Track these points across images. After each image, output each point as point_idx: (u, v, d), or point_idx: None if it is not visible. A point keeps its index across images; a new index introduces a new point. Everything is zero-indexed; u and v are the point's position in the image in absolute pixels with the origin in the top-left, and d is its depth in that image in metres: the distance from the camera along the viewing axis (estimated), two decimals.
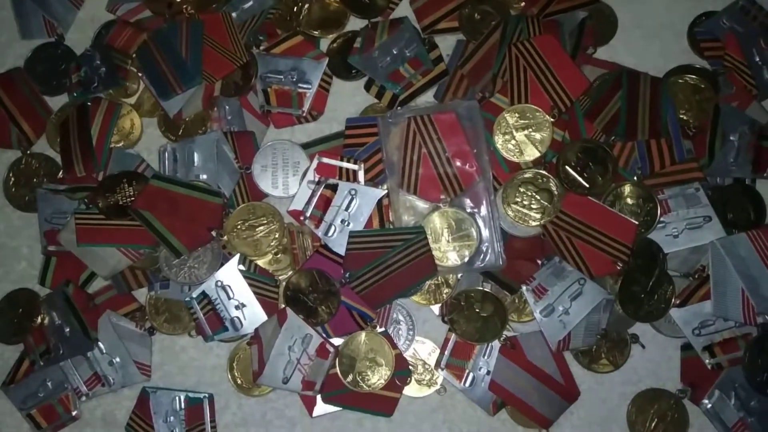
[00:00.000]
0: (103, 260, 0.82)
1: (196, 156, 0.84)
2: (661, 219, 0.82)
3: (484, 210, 0.80)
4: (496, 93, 0.85)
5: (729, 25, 0.88)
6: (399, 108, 0.85)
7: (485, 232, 0.80)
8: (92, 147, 0.85)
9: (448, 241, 0.80)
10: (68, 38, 0.92)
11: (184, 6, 0.87)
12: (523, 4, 0.89)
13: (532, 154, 0.82)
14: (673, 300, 0.81)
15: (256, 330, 0.81)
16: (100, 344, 0.82)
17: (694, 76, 0.87)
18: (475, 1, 0.88)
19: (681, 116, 0.85)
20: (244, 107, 0.87)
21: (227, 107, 0.87)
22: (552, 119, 0.82)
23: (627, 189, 0.82)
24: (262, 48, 0.87)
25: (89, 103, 0.87)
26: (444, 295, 0.82)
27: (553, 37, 0.84)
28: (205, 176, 0.84)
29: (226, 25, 0.85)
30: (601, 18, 0.89)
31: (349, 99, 0.89)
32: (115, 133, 0.87)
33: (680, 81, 0.87)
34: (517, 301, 0.82)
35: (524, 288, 0.81)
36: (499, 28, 0.86)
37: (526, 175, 0.81)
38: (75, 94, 0.89)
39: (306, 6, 0.89)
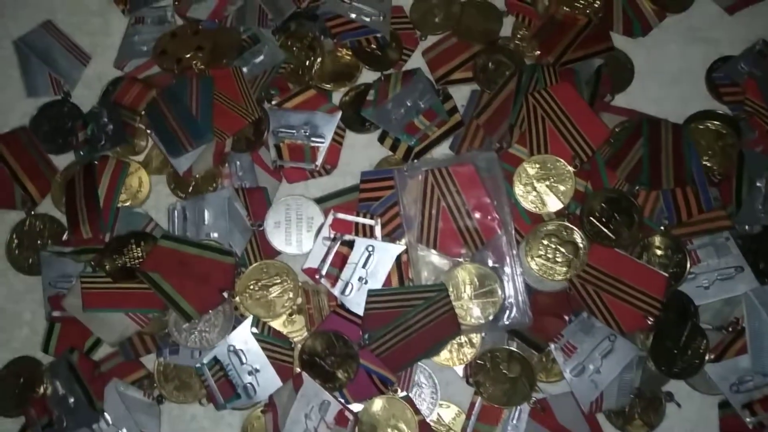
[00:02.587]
0: (110, 326, 0.77)
1: (206, 214, 0.80)
2: (691, 270, 0.77)
3: (507, 264, 0.76)
4: (514, 143, 0.81)
5: (747, 69, 0.85)
6: (415, 160, 0.81)
7: (509, 288, 0.75)
8: (99, 207, 0.81)
9: (471, 299, 0.75)
10: (75, 95, 0.88)
11: (194, 62, 0.84)
12: (537, 53, 0.86)
13: (554, 205, 0.78)
14: (707, 355, 0.76)
15: (271, 397, 0.75)
16: (107, 415, 0.76)
17: (715, 122, 0.83)
18: (489, 50, 0.86)
19: (705, 163, 0.81)
20: (255, 162, 0.83)
21: (238, 163, 0.83)
22: (573, 169, 0.78)
23: (656, 240, 0.77)
24: (274, 102, 0.84)
25: (96, 162, 0.83)
26: (468, 355, 0.76)
27: (571, 85, 0.81)
28: (216, 234, 0.80)
29: (236, 81, 0.82)
30: (617, 65, 0.86)
31: (363, 152, 0.85)
32: (122, 192, 0.83)
33: (701, 127, 0.83)
34: (544, 359, 0.77)
35: (552, 346, 0.76)
36: (515, 77, 0.83)
37: (550, 227, 0.77)
38: (81, 153, 0.85)
39: (318, 60, 0.86)
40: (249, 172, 0.83)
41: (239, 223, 0.80)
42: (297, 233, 0.80)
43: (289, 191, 0.83)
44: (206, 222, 0.80)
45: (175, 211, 0.81)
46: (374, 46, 0.86)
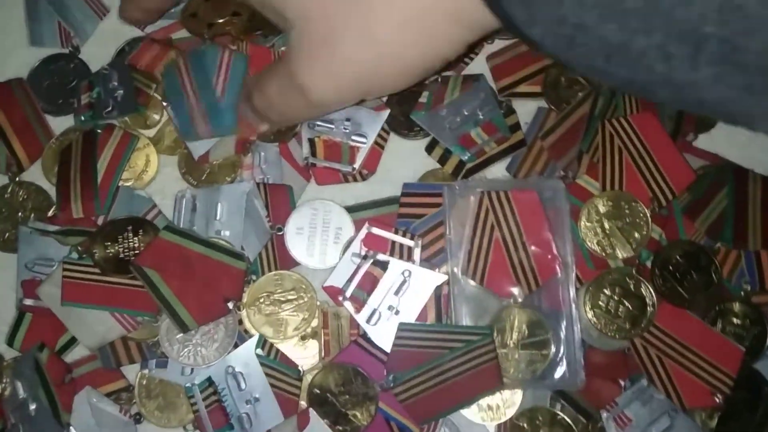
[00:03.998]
0: (90, 326, 0.64)
1: (219, 207, 0.68)
2: None
3: (563, 314, 0.64)
4: (583, 173, 0.70)
5: None
6: (468, 178, 0.70)
7: (563, 342, 0.64)
8: (96, 184, 0.68)
9: (516, 348, 0.63)
10: (84, 51, 0.75)
11: (228, 27, 0.72)
12: None
13: (624, 251, 0.67)
14: None
15: None
16: (72, 430, 0.63)
17: None
18: (563, 65, 0.74)
19: None
20: (283, 156, 0.71)
21: (263, 154, 0.70)
22: (650, 213, 0.67)
23: (735, 306, 0.66)
24: None
25: (99, 131, 0.71)
26: (503, 413, 0.65)
27: (654, 116, 0.70)
28: (227, 233, 0.67)
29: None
30: None
31: (406, 160, 0.72)
32: (125, 170, 0.70)
33: None
34: (590, 428, 0.65)
35: (604, 415, 0.64)
36: (590, 99, 0.72)
37: (615, 276, 0.66)
38: (82, 118, 0.72)
39: None
40: (274, 166, 0.71)
41: (257, 224, 0.67)
42: (321, 244, 0.68)
43: (317, 194, 0.71)
44: (218, 217, 0.68)
45: (184, 199, 0.69)
46: None
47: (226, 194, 0.68)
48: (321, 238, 0.68)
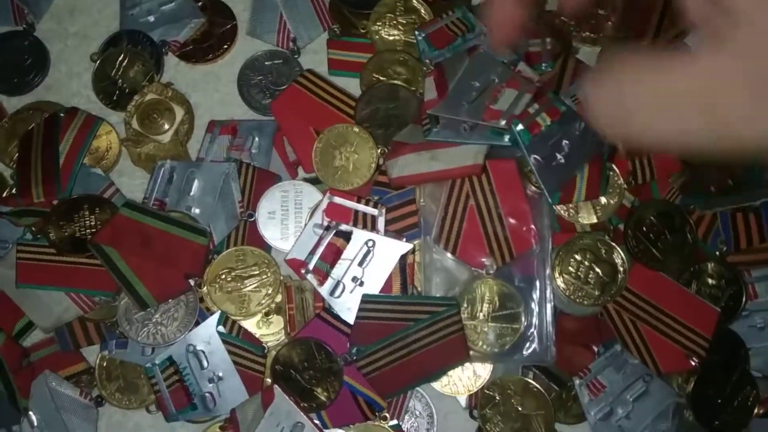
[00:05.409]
0: (46, 307, 0.61)
1: (196, 184, 0.65)
2: (746, 306, 0.63)
3: (536, 288, 0.61)
4: None
5: None
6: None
7: (534, 316, 0.61)
8: (58, 168, 0.65)
9: (487, 320, 0.60)
10: (39, 29, 0.72)
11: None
12: (586, 34, 0.71)
13: (588, 217, 0.64)
14: (756, 408, 0.62)
15: (233, 411, 0.60)
16: (31, 415, 0.61)
17: None
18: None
19: None
20: (275, 147, 0.67)
21: (258, 140, 0.67)
22: (626, 186, 0.64)
23: (709, 267, 0.63)
24: None
25: (62, 114, 0.67)
26: (474, 384, 0.62)
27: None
28: (198, 211, 0.64)
29: None
30: None
31: None
32: (86, 156, 0.67)
33: None
34: (564, 396, 0.63)
35: (576, 382, 0.61)
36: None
37: (586, 241, 0.62)
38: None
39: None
40: (263, 155, 0.67)
41: (228, 208, 0.64)
42: (296, 225, 0.65)
43: None
44: (192, 193, 0.65)
45: (162, 169, 0.65)
46: None
47: (204, 172, 0.65)
48: (295, 220, 0.65)
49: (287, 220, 0.65)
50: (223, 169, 0.65)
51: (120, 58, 0.70)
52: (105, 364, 0.63)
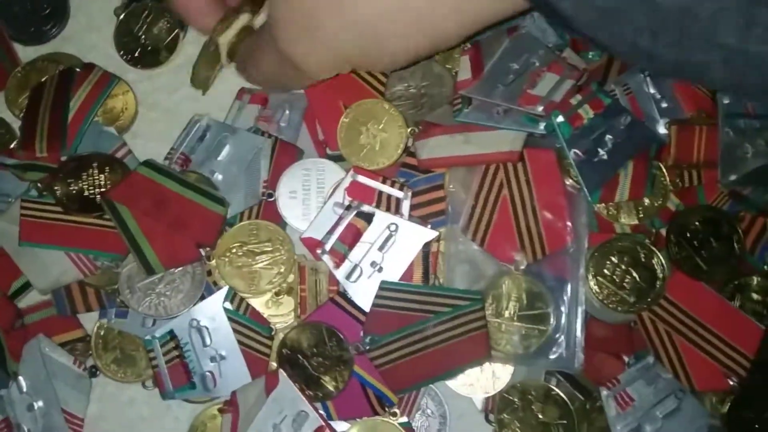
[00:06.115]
0: (44, 267, 0.57)
1: (226, 150, 0.61)
2: None
3: (568, 289, 0.56)
4: None
5: None
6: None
7: (563, 319, 0.56)
8: (66, 122, 0.61)
9: (512, 319, 0.56)
10: None
11: None
12: None
13: (629, 218, 0.59)
14: None
15: (234, 394, 0.56)
16: (21, 380, 0.57)
17: None
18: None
19: None
20: (306, 123, 0.63)
21: (288, 113, 0.63)
22: (672, 188, 0.59)
23: (755, 281, 0.58)
24: None
25: (78, 69, 0.63)
26: (493, 385, 0.58)
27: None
28: (220, 177, 0.60)
29: None
30: None
31: None
32: (99, 115, 0.63)
33: None
34: (588, 406, 0.58)
35: (604, 392, 0.56)
36: None
37: (624, 243, 0.58)
38: None
39: None
40: (292, 130, 0.63)
41: (250, 184, 0.60)
42: (317, 206, 0.60)
43: None
44: (220, 157, 0.61)
45: (197, 125, 0.62)
46: None
47: (238, 139, 0.61)
48: (316, 200, 0.61)
49: (309, 200, 0.61)
50: (258, 141, 0.61)
51: (144, 14, 0.66)
52: (102, 333, 0.59)
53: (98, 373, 0.59)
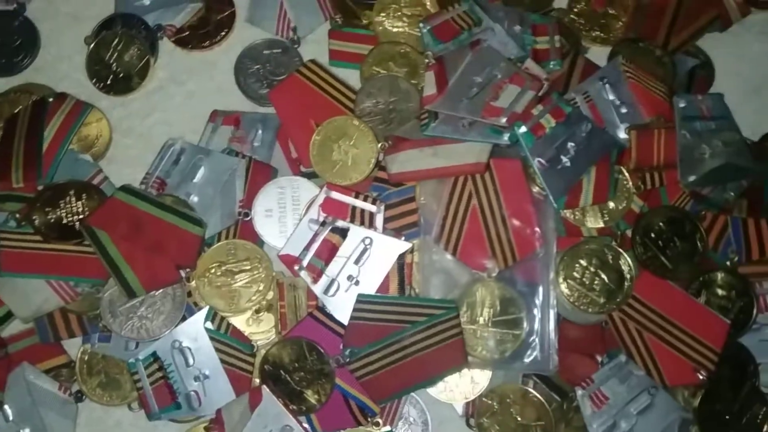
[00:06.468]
0: (26, 296, 0.58)
1: (201, 172, 0.62)
2: (756, 319, 0.61)
3: (539, 293, 0.58)
4: None
5: None
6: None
7: (536, 323, 0.58)
8: (41, 152, 0.62)
9: (487, 325, 0.57)
10: (30, 8, 0.69)
11: None
12: (596, 33, 0.69)
13: (595, 221, 0.61)
14: (765, 426, 0.59)
15: (219, 412, 0.57)
16: (6, 408, 0.58)
17: None
18: None
19: None
20: (279, 141, 0.64)
21: (260, 133, 0.65)
22: (635, 190, 0.61)
23: (719, 277, 0.60)
24: None
25: (51, 99, 0.64)
26: (471, 391, 0.59)
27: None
28: (196, 199, 0.61)
29: None
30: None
31: None
32: (74, 143, 0.64)
33: None
34: (566, 406, 0.60)
35: (579, 392, 0.58)
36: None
37: (592, 246, 0.59)
38: None
39: None
40: (266, 149, 0.65)
41: (226, 204, 0.62)
42: (294, 223, 0.61)
43: None
44: (195, 180, 0.62)
45: (172, 149, 0.63)
46: None
47: (212, 161, 0.62)
48: (292, 216, 0.62)
49: (285, 217, 0.62)
50: (232, 162, 0.62)
51: (115, 42, 0.67)
52: (86, 358, 0.60)
53: (84, 397, 0.60)
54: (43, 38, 0.68)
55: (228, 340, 0.58)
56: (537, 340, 0.58)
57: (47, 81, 0.67)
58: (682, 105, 0.61)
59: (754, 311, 0.60)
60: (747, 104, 0.68)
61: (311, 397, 0.57)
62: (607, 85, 0.62)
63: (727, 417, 0.59)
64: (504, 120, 0.57)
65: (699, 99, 0.62)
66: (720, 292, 0.61)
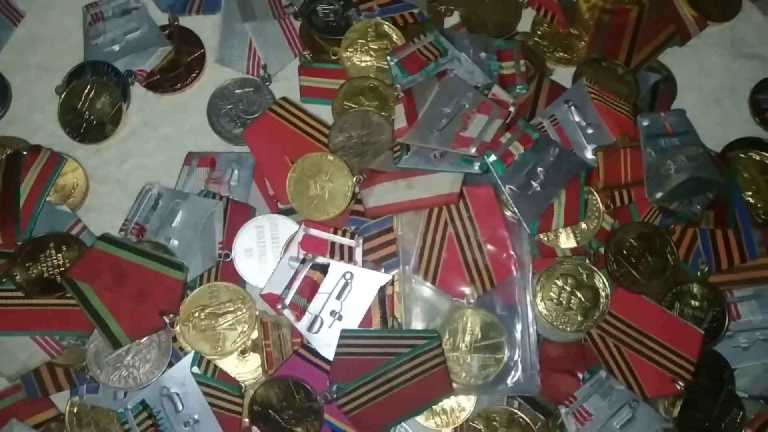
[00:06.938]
0: (10, 354, 0.58)
1: (179, 216, 0.62)
2: (729, 327, 0.62)
3: (519, 316, 0.59)
4: None
5: None
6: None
7: (518, 345, 0.59)
8: (18, 208, 0.62)
9: (469, 351, 0.58)
10: (0, 59, 0.69)
11: None
12: (560, 54, 0.70)
13: (568, 242, 0.62)
14: (743, 430, 0.61)
15: None
16: None
17: (762, 152, 0.68)
18: None
19: (748, 199, 0.66)
20: (255, 181, 0.65)
21: (237, 173, 0.65)
22: (605, 209, 0.62)
23: (692, 288, 0.62)
24: None
25: (25, 153, 0.64)
26: (458, 416, 0.60)
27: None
28: (176, 243, 0.62)
29: None
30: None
31: None
32: (51, 194, 0.64)
33: (744, 156, 0.68)
34: (550, 425, 0.61)
35: (563, 410, 0.59)
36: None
37: (566, 266, 0.61)
38: None
39: None
40: (242, 188, 0.65)
41: (206, 247, 0.62)
42: (274, 261, 0.61)
43: None
44: (174, 224, 0.62)
45: (149, 194, 0.63)
46: (411, 21, 0.68)
47: (190, 204, 0.63)
48: (273, 254, 0.62)
49: (265, 255, 0.62)
50: (209, 205, 0.63)
51: (86, 90, 0.67)
52: (76, 410, 0.59)
53: None
54: (14, 90, 0.68)
55: (215, 384, 0.59)
56: (519, 361, 0.59)
57: (20, 133, 0.67)
58: (645, 123, 0.63)
59: (727, 320, 0.62)
60: (709, 115, 0.70)
61: None
62: (572, 108, 0.64)
63: (707, 423, 0.60)
64: (474, 150, 0.58)
65: (662, 116, 0.64)
66: (693, 302, 0.62)
